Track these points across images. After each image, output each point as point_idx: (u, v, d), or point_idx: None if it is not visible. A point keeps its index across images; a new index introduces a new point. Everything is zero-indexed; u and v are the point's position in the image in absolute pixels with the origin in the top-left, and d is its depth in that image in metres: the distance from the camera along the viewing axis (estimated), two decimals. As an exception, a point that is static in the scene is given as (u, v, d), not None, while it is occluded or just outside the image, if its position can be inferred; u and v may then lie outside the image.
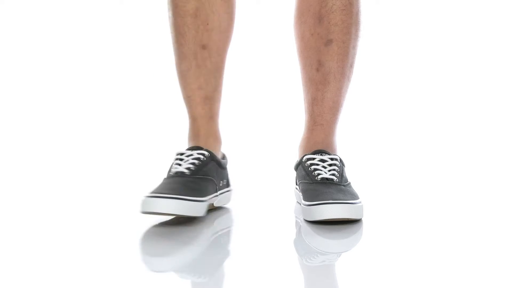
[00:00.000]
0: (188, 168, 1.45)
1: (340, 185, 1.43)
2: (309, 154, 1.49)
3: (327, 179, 1.43)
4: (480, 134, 2.62)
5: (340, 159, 1.49)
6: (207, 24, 1.51)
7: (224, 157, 1.59)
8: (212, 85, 1.54)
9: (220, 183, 1.52)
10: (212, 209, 1.53)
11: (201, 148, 1.49)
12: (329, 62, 1.49)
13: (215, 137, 1.56)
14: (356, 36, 1.51)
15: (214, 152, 1.53)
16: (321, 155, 1.48)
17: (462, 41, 3.05)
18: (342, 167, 1.48)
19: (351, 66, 1.51)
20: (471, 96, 2.93)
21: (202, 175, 1.45)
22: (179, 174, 1.44)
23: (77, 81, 3.00)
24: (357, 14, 1.50)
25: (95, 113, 2.85)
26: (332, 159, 1.47)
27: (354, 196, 1.41)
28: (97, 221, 1.49)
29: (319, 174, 1.44)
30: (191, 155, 1.47)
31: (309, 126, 1.55)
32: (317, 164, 1.46)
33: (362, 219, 1.41)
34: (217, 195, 1.51)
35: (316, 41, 1.50)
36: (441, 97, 2.95)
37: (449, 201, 1.71)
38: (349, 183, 1.47)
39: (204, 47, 1.52)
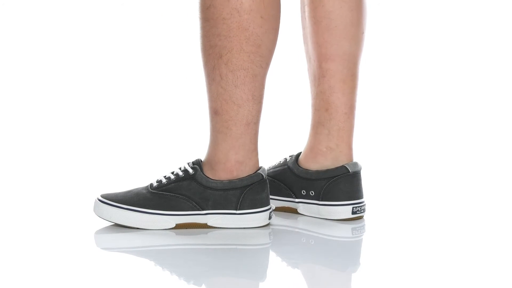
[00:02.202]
0: None
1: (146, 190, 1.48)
2: None
3: None
4: (481, 134, 2.61)
5: (181, 172, 1.48)
6: None
7: None
8: None
9: None
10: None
11: None
12: None
13: None
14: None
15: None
16: None
17: (462, 42, 3.06)
18: (167, 178, 1.48)
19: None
20: (470, 96, 2.94)
21: None
22: None
23: (77, 81, 3.02)
24: None
25: (96, 114, 2.81)
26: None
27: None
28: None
29: None
30: None
31: None
32: None
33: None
34: None
35: None
36: (441, 97, 2.96)
37: (447, 202, 1.73)
38: (155, 191, 1.46)
39: None
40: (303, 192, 1.55)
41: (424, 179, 2.03)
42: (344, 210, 1.53)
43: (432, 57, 3.04)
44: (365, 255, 1.38)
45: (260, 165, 1.49)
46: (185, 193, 1.46)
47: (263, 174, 1.47)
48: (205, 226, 1.47)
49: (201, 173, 1.46)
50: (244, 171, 1.46)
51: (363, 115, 2.48)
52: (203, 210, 1.46)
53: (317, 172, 1.54)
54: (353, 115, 1.55)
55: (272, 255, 1.38)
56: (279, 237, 1.45)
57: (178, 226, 1.46)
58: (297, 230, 1.51)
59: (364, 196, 1.55)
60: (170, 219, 1.46)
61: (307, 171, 1.55)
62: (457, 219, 1.60)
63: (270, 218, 1.48)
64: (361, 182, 1.54)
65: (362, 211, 1.54)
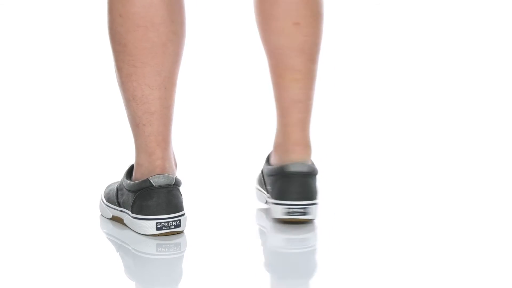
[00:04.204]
0: None
1: None
2: None
3: None
4: (481, 135, 2.56)
5: None
6: None
7: None
8: None
9: None
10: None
11: None
12: None
13: None
14: None
15: None
16: None
17: (462, 42, 3.01)
18: None
19: None
20: (468, 97, 2.86)
21: None
22: None
23: (78, 80, 2.98)
24: None
25: (96, 114, 2.80)
26: None
27: None
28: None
29: None
30: None
31: None
32: None
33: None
34: None
35: None
36: (440, 97, 2.90)
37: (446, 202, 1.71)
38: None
39: None
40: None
41: (392, 180, 1.99)
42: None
43: (415, 58, 2.97)
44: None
45: (174, 175, 1.43)
46: (118, 188, 1.49)
47: (152, 181, 1.40)
48: (122, 222, 1.47)
49: (125, 172, 1.48)
50: (144, 174, 1.42)
51: (329, 112, 2.44)
52: (119, 206, 1.48)
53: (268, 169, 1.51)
54: (298, 110, 1.48)
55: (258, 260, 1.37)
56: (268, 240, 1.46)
57: (113, 218, 1.50)
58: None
59: (305, 198, 1.45)
60: (108, 210, 1.51)
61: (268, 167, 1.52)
62: (429, 220, 1.58)
63: (176, 227, 1.41)
64: (302, 183, 1.45)
65: (299, 213, 1.45)
